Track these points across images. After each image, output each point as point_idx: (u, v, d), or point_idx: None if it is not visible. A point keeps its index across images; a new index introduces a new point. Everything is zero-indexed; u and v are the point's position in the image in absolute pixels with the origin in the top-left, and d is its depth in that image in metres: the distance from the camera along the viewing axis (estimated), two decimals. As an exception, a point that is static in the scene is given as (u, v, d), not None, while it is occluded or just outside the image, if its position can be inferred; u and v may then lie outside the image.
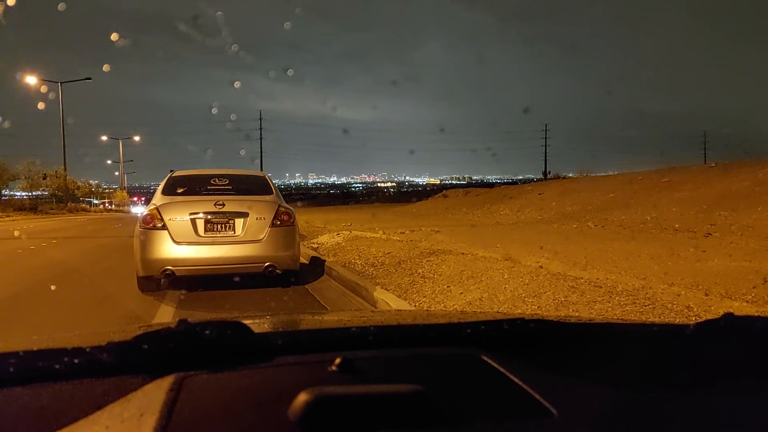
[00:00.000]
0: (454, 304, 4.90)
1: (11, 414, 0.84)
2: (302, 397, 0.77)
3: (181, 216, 5.96)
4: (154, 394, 0.84)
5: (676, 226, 12.72)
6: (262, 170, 8.29)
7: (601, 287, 4.74)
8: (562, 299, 4.48)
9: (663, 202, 16.04)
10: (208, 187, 6.61)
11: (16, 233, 17.47)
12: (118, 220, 29.49)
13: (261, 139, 70.89)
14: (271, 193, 6.66)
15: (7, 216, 33.46)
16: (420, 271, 6.33)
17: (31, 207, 41.13)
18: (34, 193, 47.85)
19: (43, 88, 39.20)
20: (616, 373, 1.02)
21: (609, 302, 4.30)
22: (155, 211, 5.98)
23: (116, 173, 71.22)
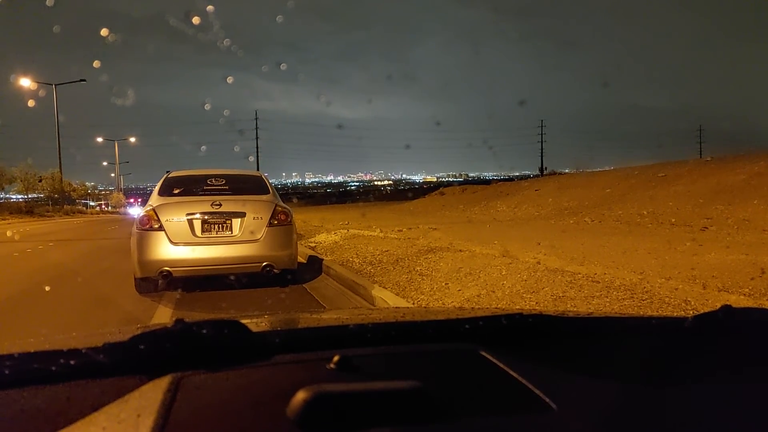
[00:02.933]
0: (452, 301, 4.90)
1: (8, 417, 0.83)
2: (301, 396, 0.76)
3: (177, 217, 5.94)
4: (152, 394, 0.84)
5: (673, 220, 12.75)
6: (258, 170, 8.28)
7: (599, 282, 4.74)
8: (560, 294, 4.49)
9: (659, 196, 16.07)
10: (205, 188, 6.59)
11: (12, 235, 17.41)
12: (114, 222, 29.43)
13: (257, 138, 70.86)
14: (268, 192, 6.64)
15: (2, 219, 33.35)
16: (418, 268, 6.33)
17: (27, 210, 40.99)
18: (29, 196, 47.73)
19: (35, 87, 39.00)
20: (615, 367, 1.02)
21: (607, 297, 4.30)
22: (152, 212, 5.96)
23: (112, 175, 71.05)
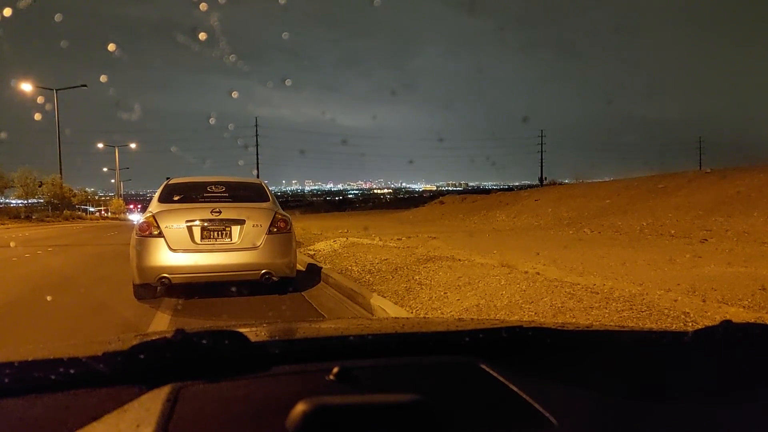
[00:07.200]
0: (451, 311, 4.89)
1: (6, 426, 0.83)
2: (300, 408, 0.76)
3: (177, 223, 5.94)
4: (151, 404, 0.84)
5: (672, 231, 12.75)
6: (258, 177, 8.28)
7: (598, 293, 4.74)
8: (560, 305, 4.48)
9: (659, 207, 16.08)
10: (205, 195, 6.60)
11: (12, 242, 17.39)
12: (114, 228, 29.41)
13: (257, 146, 70.98)
14: (268, 200, 6.65)
15: (2, 224, 33.34)
16: (417, 277, 6.32)
17: (27, 215, 40.98)
18: (29, 201, 47.71)
19: (40, 98, 39.24)
20: (615, 382, 1.02)
21: (606, 308, 4.30)
22: (151, 218, 5.96)
23: (112, 180, 71.15)
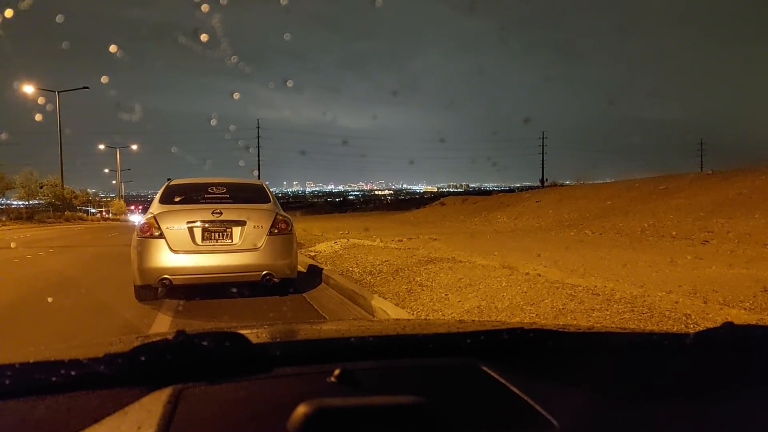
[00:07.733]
0: (452, 313, 4.89)
1: (7, 428, 0.83)
2: (301, 409, 0.76)
3: (178, 224, 5.95)
4: (152, 406, 0.84)
5: (674, 233, 12.74)
6: (259, 178, 8.31)
7: (599, 295, 4.73)
8: (561, 307, 4.47)
9: (660, 209, 16.06)
10: (206, 196, 6.60)
11: (13, 243, 17.41)
12: (114, 229, 29.43)
13: (258, 147, 71.18)
14: (269, 201, 6.65)
15: (3, 225, 33.40)
16: (418, 279, 6.32)
17: (28, 216, 41.02)
18: (30, 202, 47.78)
19: (41, 99, 39.31)
20: (616, 383, 1.01)
21: (607, 310, 4.29)
22: (152, 219, 5.96)
23: (113, 182, 71.30)
